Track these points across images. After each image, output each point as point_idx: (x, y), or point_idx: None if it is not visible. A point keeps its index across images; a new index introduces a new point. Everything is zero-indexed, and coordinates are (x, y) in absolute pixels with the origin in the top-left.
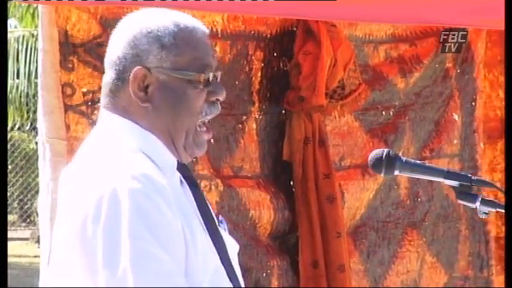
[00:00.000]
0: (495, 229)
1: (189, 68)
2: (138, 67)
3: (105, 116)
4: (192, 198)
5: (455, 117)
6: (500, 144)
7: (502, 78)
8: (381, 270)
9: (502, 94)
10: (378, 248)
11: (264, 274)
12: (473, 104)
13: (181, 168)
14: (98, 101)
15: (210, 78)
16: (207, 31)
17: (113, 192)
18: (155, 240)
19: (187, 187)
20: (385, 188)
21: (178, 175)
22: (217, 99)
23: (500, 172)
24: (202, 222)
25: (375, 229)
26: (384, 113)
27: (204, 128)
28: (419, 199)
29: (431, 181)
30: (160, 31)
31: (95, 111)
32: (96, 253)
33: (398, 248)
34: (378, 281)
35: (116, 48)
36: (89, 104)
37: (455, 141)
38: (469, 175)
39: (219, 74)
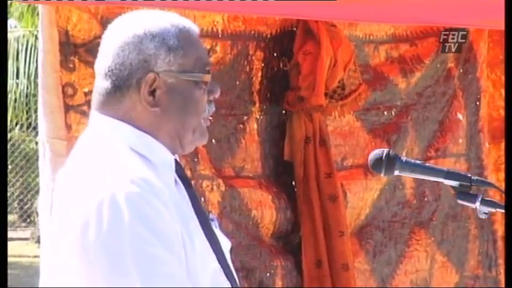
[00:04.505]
0: (502, 228)
1: (194, 69)
2: (150, 73)
3: (96, 117)
4: (187, 198)
5: (460, 116)
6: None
7: (504, 78)
8: (388, 270)
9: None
10: (384, 248)
11: (268, 274)
12: (477, 103)
13: (176, 168)
14: None
15: (210, 78)
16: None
17: (113, 198)
18: (159, 242)
19: (181, 186)
20: (390, 188)
21: (173, 175)
22: (213, 98)
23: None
24: (198, 222)
25: (381, 229)
26: (385, 113)
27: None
28: (425, 199)
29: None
30: (164, 34)
31: None
32: (101, 259)
33: (406, 248)
34: (385, 280)
35: (113, 54)
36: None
37: (460, 141)
38: (469, 175)
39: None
